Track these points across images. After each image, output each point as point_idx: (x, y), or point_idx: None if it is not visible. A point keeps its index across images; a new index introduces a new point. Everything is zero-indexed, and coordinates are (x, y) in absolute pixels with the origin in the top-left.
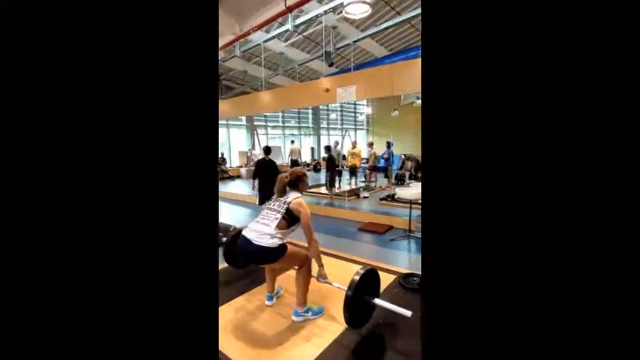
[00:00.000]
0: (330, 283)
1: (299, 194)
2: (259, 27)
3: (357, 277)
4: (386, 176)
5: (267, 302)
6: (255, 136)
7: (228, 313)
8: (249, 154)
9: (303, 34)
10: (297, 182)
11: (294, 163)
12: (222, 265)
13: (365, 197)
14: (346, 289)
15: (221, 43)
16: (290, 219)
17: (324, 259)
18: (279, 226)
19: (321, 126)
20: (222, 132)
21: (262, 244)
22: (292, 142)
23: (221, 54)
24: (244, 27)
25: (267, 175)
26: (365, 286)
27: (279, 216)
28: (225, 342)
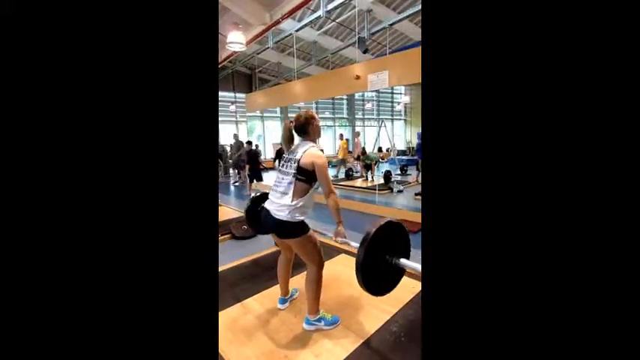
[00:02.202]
0: (349, 243)
1: (310, 144)
2: (290, 14)
3: (373, 230)
4: (417, 169)
5: (279, 305)
6: None
7: (237, 315)
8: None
9: (337, 20)
10: (306, 126)
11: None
12: (236, 262)
13: (399, 191)
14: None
15: (252, 34)
16: (307, 178)
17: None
18: (297, 193)
19: (357, 116)
20: (257, 124)
21: (281, 218)
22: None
23: (254, 46)
24: (274, 15)
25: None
26: (385, 242)
27: (292, 179)
28: (229, 347)
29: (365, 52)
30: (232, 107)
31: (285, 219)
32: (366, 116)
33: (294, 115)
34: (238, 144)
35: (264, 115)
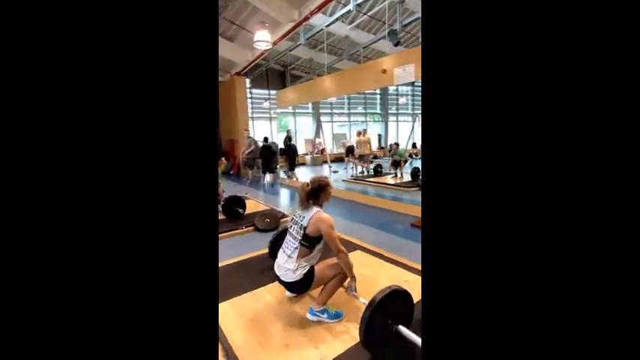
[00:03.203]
0: (358, 298)
1: (317, 208)
2: (318, 9)
3: (379, 297)
4: None
5: (288, 294)
6: (320, 125)
7: (247, 302)
8: (315, 143)
9: (368, 13)
10: (319, 192)
11: None
12: (255, 252)
13: None
14: (365, 306)
15: (282, 32)
16: (311, 243)
17: (368, 257)
18: (300, 256)
19: (390, 111)
20: (290, 120)
21: (289, 281)
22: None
23: (286, 43)
24: (303, 12)
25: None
26: (389, 308)
27: (297, 245)
28: (235, 331)
29: (397, 44)
30: (266, 104)
31: (293, 280)
32: (400, 111)
33: (323, 111)
34: (249, 141)
35: (296, 111)
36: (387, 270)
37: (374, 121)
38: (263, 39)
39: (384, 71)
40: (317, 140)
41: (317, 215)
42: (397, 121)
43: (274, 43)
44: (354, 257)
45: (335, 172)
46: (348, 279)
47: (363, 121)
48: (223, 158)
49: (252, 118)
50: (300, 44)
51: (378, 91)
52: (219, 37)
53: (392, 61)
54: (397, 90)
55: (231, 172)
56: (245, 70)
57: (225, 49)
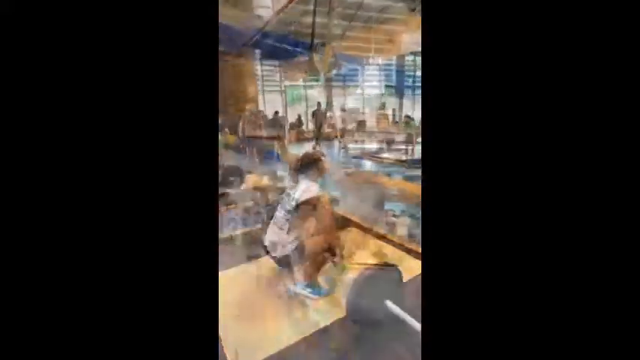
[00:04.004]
0: (347, 275)
1: (310, 182)
2: None
3: (368, 272)
4: None
5: (277, 267)
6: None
7: (235, 276)
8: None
9: None
10: (310, 166)
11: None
12: (244, 229)
13: None
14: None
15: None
16: (302, 216)
17: (362, 236)
18: (292, 229)
19: (406, 84)
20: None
21: (279, 255)
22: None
23: (295, 8)
24: None
25: None
26: (377, 282)
27: (289, 217)
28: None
29: (413, 10)
30: (276, 77)
31: (283, 254)
32: (416, 83)
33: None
34: (249, 116)
35: (307, 83)
36: (379, 248)
37: (389, 94)
38: (264, 5)
39: (390, 40)
40: (328, 114)
41: (309, 189)
42: (414, 94)
43: (281, 10)
44: (349, 235)
45: (343, 148)
46: (338, 256)
47: (377, 94)
48: (227, 129)
49: (263, 91)
50: (310, 10)
51: (393, 62)
52: (221, 5)
53: (400, 27)
54: (414, 60)
55: (241, 147)
56: (253, 41)
57: (230, 17)
